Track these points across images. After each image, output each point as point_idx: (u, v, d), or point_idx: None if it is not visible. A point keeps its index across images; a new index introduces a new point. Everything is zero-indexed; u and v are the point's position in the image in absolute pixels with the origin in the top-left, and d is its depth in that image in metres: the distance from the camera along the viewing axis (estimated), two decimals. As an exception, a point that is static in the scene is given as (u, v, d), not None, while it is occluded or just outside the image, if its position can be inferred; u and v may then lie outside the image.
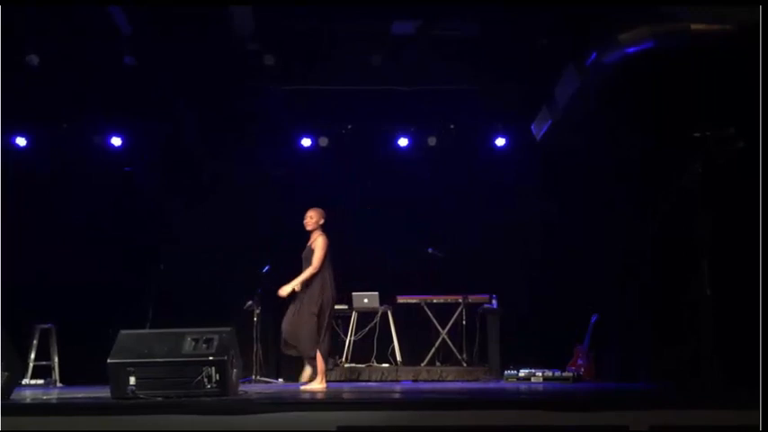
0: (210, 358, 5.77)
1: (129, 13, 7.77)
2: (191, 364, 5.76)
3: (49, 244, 9.59)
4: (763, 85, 5.52)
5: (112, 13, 7.72)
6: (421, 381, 9.32)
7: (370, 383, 9.10)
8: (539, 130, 9.18)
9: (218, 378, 5.73)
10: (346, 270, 8.32)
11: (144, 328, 7.98)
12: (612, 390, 7.64)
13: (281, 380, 9.53)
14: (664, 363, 7.82)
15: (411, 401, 5.67)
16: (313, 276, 7.12)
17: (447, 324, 9.86)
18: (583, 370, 9.08)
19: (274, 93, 9.24)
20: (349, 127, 10.19)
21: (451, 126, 10.16)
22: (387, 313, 9.89)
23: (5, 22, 7.28)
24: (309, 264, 7.13)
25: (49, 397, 6.61)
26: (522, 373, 9.11)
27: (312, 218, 7.28)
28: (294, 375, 9.52)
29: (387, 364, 9.70)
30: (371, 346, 9.76)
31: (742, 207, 6.26)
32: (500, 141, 10.30)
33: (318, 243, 7.17)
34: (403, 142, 10.31)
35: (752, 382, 5.06)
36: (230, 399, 5.72)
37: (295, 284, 7.11)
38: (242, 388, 6.50)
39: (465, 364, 9.63)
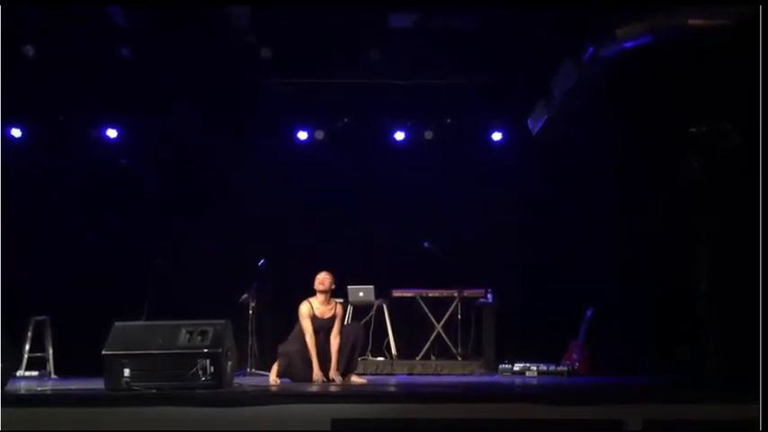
0: (205, 350, 5.76)
1: (125, 8, 7.74)
2: (185, 356, 5.75)
3: (44, 236, 9.58)
4: (763, 86, 5.51)
5: (110, 11, 7.71)
6: (416, 374, 9.30)
7: (365, 377, 9.09)
8: (535, 125, 9.17)
9: (212, 370, 5.73)
10: (342, 264, 8.32)
11: (139, 320, 7.95)
12: (606, 384, 7.64)
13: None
14: (662, 358, 7.82)
15: (405, 395, 5.66)
16: None
17: (442, 318, 9.84)
18: (577, 364, 9.08)
19: (271, 86, 9.22)
20: (345, 120, 10.17)
21: (448, 120, 10.15)
22: (382, 307, 9.86)
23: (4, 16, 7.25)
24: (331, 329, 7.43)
25: (43, 388, 6.61)
26: (517, 367, 9.09)
27: (328, 279, 7.48)
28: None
29: (382, 358, 9.68)
30: (366, 340, 9.74)
31: (739, 201, 6.26)
32: (496, 136, 10.29)
33: (340, 313, 7.51)
34: (399, 136, 10.29)
35: (752, 377, 5.06)
36: (225, 391, 5.72)
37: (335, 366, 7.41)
38: (236, 381, 6.50)
39: (460, 358, 9.61)
